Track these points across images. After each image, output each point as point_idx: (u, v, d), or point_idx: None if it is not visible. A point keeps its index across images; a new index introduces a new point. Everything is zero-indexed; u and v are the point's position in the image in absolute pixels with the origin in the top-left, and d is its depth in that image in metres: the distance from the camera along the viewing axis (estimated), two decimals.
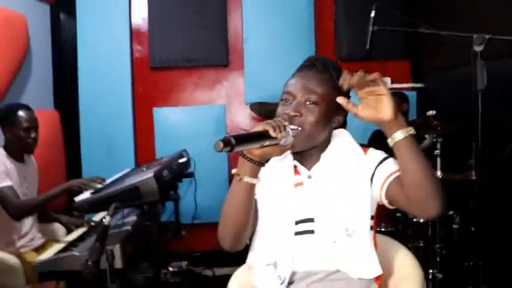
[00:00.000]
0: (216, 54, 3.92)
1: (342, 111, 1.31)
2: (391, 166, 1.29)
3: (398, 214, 2.67)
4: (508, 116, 2.87)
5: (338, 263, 1.30)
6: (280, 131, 1.18)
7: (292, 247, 1.33)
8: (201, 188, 3.12)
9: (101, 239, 1.44)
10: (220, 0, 3.90)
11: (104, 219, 1.48)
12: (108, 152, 3.67)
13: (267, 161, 1.31)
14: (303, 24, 3.89)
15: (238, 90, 3.98)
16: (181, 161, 2.72)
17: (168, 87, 3.95)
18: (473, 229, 2.72)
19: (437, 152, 2.65)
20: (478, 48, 2.17)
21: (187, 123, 3.84)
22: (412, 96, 3.90)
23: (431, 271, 2.52)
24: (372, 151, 1.37)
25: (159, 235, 2.26)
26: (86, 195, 2.13)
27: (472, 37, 2.17)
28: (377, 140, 3.45)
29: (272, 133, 1.16)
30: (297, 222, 1.34)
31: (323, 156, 1.37)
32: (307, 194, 1.36)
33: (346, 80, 1.13)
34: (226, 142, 1.06)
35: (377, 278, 1.34)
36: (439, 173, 2.62)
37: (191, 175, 2.89)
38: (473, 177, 2.74)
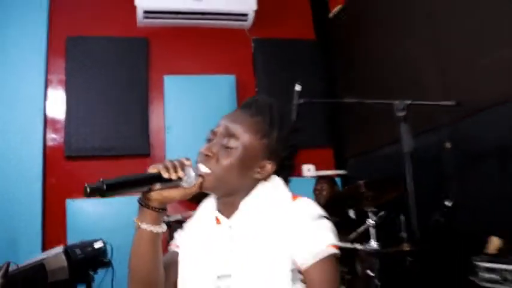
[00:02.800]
0: (137, 143, 3.78)
1: (273, 160, 1.21)
2: (320, 238, 1.14)
3: None
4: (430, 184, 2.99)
5: None
6: (176, 172, 1.07)
7: None
8: (121, 279, 2.76)
9: None
10: (143, 90, 3.88)
11: None
12: (11, 246, 3.21)
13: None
14: (226, 113, 3.92)
15: None
16: (96, 246, 2.41)
17: (84, 178, 3.65)
18: None
19: (369, 222, 2.58)
20: (400, 114, 2.27)
21: (104, 215, 3.52)
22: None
23: None
24: (301, 200, 1.21)
25: None
26: None
27: (393, 104, 2.28)
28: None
29: (164, 174, 1.06)
30: (218, 277, 1.15)
31: (242, 203, 1.22)
32: (225, 246, 1.19)
33: None
34: (96, 189, 0.95)
35: None
36: (374, 245, 2.53)
37: (108, 264, 2.57)
38: (406, 249, 2.71)
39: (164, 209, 1.12)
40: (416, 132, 3.16)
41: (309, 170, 4.07)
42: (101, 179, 0.96)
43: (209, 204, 1.30)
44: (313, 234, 1.12)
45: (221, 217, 1.23)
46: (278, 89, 3.75)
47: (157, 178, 1.06)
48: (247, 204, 1.21)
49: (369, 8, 3.77)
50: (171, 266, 1.22)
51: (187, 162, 1.11)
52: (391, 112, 2.29)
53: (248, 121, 1.22)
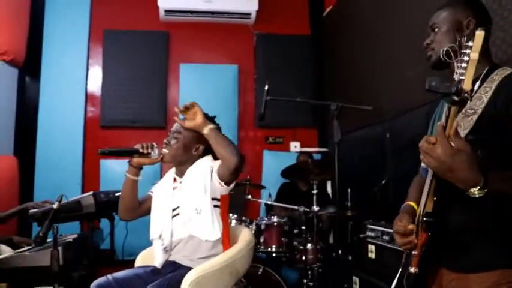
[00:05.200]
0: (156, 118, 4.73)
1: (202, 144, 2.18)
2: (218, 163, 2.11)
3: (283, 239, 3.40)
4: (375, 165, 3.77)
5: (193, 231, 2.08)
6: (147, 149, 2.06)
7: (170, 224, 2.12)
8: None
9: (50, 219, 2.09)
10: (162, 74, 4.79)
11: (53, 205, 2.14)
12: (60, 191, 4.26)
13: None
14: (228, 97, 4.81)
15: None
16: (117, 194, 3.37)
17: (114, 144, 4.65)
18: (350, 257, 3.50)
19: (314, 191, 3.42)
20: (334, 112, 3.08)
21: None
22: (318, 157, 4.79)
23: (305, 281, 3.28)
24: (217, 162, 2.17)
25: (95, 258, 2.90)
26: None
27: (329, 104, 3.09)
28: (283, 189, 4.31)
29: (140, 149, 2.07)
30: (173, 209, 2.13)
31: (188, 170, 2.20)
32: (178, 192, 2.20)
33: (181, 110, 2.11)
34: (103, 151, 2.00)
35: (225, 244, 2.11)
36: (316, 208, 3.39)
37: None
38: (349, 214, 3.57)
39: (141, 168, 2.15)
40: (368, 124, 3.96)
41: (295, 146, 4.90)
42: (107, 148, 1.93)
43: (172, 171, 2.29)
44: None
45: (177, 177, 2.23)
46: (273, 76, 4.50)
47: (137, 151, 2.06)
48: (190, 170, 2.19)
49: (351, 11, 4.44)
50: (145, 201, 2.27)
51: (155, 145, 2.10)
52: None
53: None
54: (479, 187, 1.15)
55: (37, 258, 2.26)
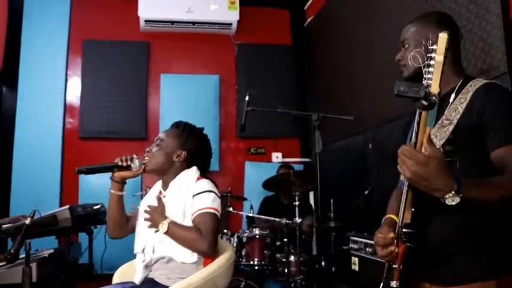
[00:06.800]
0: (137, 129, 4.67)
1: (184, 150, 2.14)
2: (201, 202, 2.05)
3: (265, 252, 3.36)
4: (358, 175, 3.77)
5: (170, 251, 2.03)
6: (127, 161, 2.01)
7: (152, 240, 2.06)
8: None
9: (23, 234, 2.01)
10: (143, 85, 4.74)
11: (26, 221, 2.06)
12: (37, 205, 4.16)
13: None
14: (209, 107, 4.77)
15: None
16: (95, 207, 3.32)
17: (93, 155, 4.58)
18: (333, 269, 3.47)
19: (296, 203, 3.39)
20: (315, 123, 3.06)
21: (107, 185, 4.43)
22: (300, 168, 4.76)
23: None
24: (200, 182, 2.13)
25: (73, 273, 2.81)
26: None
27: (311, 115, 3.07)
28: (266, 203, 4.28)
29: (119, 163, 2.01)
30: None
31: (171, 184, 2.15)
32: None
33: None
34: (80, 170, 1.97)
35: (206, 260, 2.06)
36: (298, 220, 3.36)
37: (104, 222, 3.46)
38: (332, 225, 3.56)
39: (124, 183, 2.09)
40: (350, 134, 3.96)
41: (277, 157, 4.88)
42: (84, 166, 1.87)
43: (158, 185, 2.24)
44: (197, 200, 2.04)
45: (162, 191, 2.17)
46: (255, 86, 4.36)
47: (116, 166, 1.99)
48: (173, 183, 2.14)
49: (332, 22, 4.46)
50: (132, 216, 2.22)
51: (135, 156, 2.03)
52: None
53: (170, 131, 2.20)
54: (453, 192, 1.15)
55: (8, 276, 2.19)
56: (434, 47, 1.14)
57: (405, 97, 1.18)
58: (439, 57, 1.14)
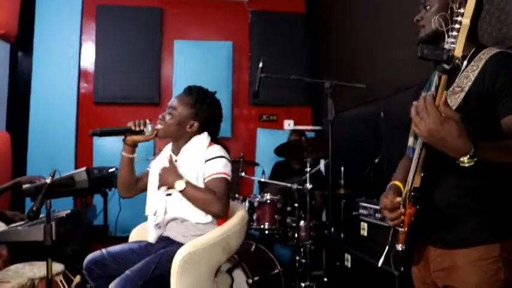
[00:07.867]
0: (150, 94, 4.72)
1: (197, 121, 2.17)
2: (213, 167, 2.11)
3: (276, 216, 3.44)
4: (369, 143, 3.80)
5: (183, 213, 2.09)
6: (140, 126, 2.05)
7: (164, 203, 2.13)
8: None
9: (44, 193, 2.08)
10: (156, 51, 4.75)
11: (46, 180, 2.13)
12: (54, 166, 4.27)
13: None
14: (222, 74, 4.78)
15: None
16: (110, 170, 3.40)
17: (107, 120, 4.64)
18: (342, 235, 3.54)
19: (307, 169, 3.43)
20: (328, 91, 3.06)
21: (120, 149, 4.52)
22: (311, 135, 4.79)
23: (297, 258, 3.31)
24: (212, 148, 2.18)
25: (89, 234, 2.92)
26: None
27: (323, 82, 3.07)
28: (277, 168, 4.33)
29: (133, 127, 2.05)
30: (167, 187, 2.13)
31: (183, 148, 2.20)
32: None
33: None
34: (94, 133, 2.01)
35: (219, 220, 2.12)
36: (309, 186, 3.40)
37: None
38: (342, 192, 3.61)
39: (136, 146, 2.13)
40: (362, 102, 3.97)
41: (289, 124, 4.91)
42: (98, 129, 1.91)
43: (168, 147, 2.28)
44: (210, 165, 2.09)
45: (173, 155, 2.21)
46: (268, 54, 4.40)
47: (129, 130, 2.03)
48: (185, 148, 2.18)
49: None
50: (141, 177, 2.27)
51: (148, 121, 2.07)
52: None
53: (183, 98, 2.20)
54: (469, 155, 1.15)
55: (30, 233, 2.28)
56: (462, 10, 1.12)
57: (427, 60, 1.17)
58: (466, 20, 1.12)
